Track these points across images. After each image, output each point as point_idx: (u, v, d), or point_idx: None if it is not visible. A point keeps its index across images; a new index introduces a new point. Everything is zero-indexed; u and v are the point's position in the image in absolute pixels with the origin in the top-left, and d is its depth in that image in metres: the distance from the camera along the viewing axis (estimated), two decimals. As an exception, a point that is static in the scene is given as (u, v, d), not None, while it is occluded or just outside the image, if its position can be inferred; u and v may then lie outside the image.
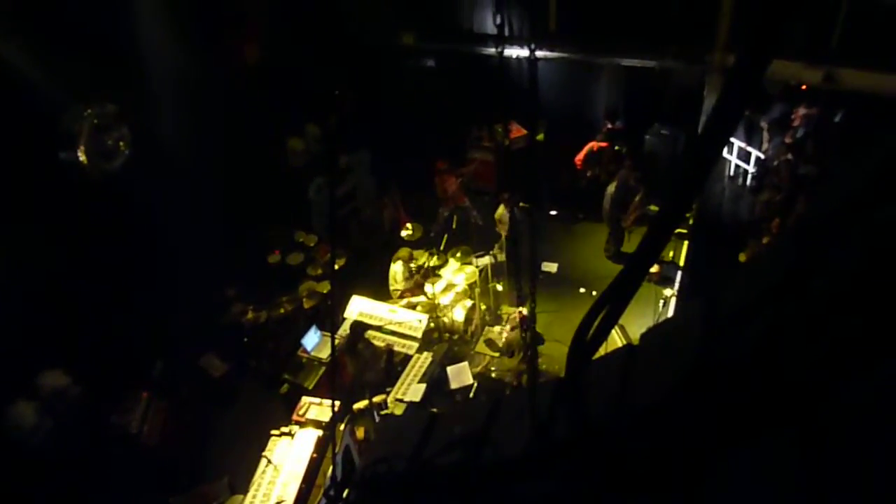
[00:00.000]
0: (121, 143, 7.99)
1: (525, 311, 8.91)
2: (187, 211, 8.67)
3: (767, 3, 1.21)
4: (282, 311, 9.32)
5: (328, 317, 9.29)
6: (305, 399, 7.92)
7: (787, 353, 1.53)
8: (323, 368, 8.59)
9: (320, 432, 7.43)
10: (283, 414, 8.20)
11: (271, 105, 10.04)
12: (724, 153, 11.41)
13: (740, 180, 11.31)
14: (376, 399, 7.73)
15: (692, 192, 1.56)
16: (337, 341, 8.37)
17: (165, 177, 8.54)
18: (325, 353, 8.71)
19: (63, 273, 7.63)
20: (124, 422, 7.88)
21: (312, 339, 8.77)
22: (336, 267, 9.12)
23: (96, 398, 7.95)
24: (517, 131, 11.00)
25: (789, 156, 10.30)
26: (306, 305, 9.56)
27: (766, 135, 11.06)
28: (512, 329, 8.99)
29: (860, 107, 9.60)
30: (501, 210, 10.18)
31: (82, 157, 7.46)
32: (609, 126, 11.64)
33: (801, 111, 10.65)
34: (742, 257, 9.33)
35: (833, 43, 9.08)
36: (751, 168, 10.93)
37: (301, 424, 7.61)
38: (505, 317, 9.49)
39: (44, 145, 7.35)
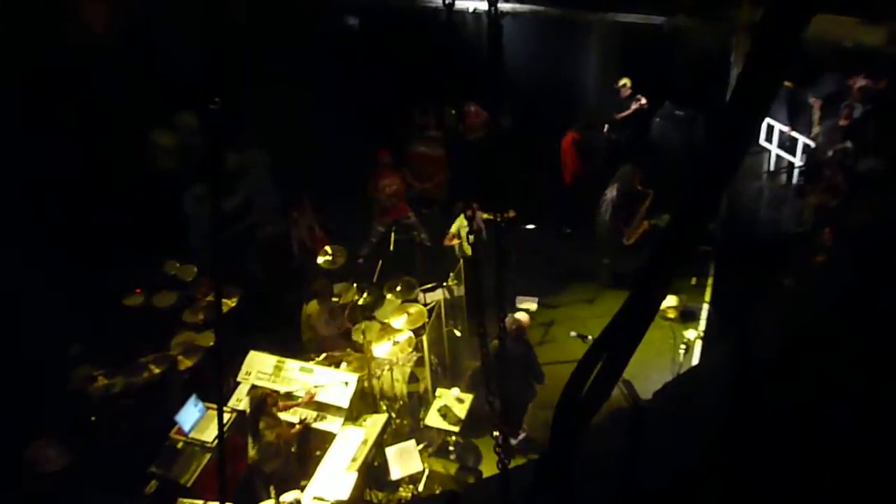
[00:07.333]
0: None
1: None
2: (9, 237, 8.49)
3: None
4: (146, 374, 9.12)
5: (214, 382, 9.16)
6: (182, 502, 7.78)
7: (845, 413, 1.56)
8: (207, 456, 8.44)
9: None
10: (149, 525, 8.04)
11: (129, 86, 9.92)
12: (761, 140, 11.73)
13: (783, 177, 11.60)
14: (286, 499, 7.62)
15: (716, 194, 1.59)
16: (227, 416, 8.24)
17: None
18: (209, 435, 8.56)
19: None
20: None
21: (191, 415, 8.61)
22: (224, 310, 9.01)
23: None
24: (475, 115, 11.10)
25: (847, 143, 10.62)
26: (182, 367, 9.40)
27: (815, 115, 11.40)
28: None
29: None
30: (458, 223, 10.21)
31: None
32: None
33: (860, 83, 11.03)
34: (787, 283, 9.55)
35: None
36: (797, 160, 11.23)
37: (177, 542, 7.48)
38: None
39: None
